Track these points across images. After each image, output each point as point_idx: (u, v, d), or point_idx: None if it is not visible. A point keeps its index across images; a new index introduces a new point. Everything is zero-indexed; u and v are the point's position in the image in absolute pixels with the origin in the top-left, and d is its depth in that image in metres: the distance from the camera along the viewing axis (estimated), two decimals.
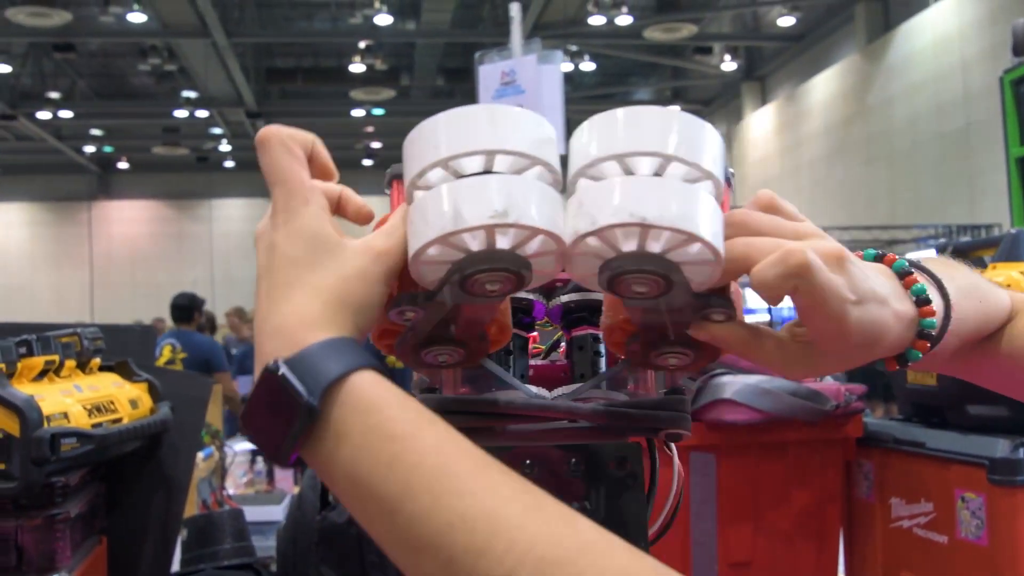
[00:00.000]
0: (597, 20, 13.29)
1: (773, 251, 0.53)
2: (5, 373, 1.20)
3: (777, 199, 0.60)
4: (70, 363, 1.35)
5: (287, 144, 0.57)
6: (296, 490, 2.05)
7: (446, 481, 0.46)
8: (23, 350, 1.25)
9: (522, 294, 0.65)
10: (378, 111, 17.59)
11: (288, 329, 0.52)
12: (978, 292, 0.63)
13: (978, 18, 11.15)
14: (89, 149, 20.62)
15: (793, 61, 16.15)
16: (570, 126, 0.57)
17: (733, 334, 0.56)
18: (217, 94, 16.93)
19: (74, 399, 1.27)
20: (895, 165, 12.97)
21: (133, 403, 1.41)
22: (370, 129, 19.47)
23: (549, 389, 0.66)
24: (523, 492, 0.47)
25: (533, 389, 0.65)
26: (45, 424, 1.15)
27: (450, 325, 0.58)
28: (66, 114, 17.31)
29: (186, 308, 5.99)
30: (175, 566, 1.68)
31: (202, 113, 17.65)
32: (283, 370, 0.50)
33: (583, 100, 16.39)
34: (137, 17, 13.37)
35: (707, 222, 0.51)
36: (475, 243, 0.52)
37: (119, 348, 1.53)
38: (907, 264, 0.61)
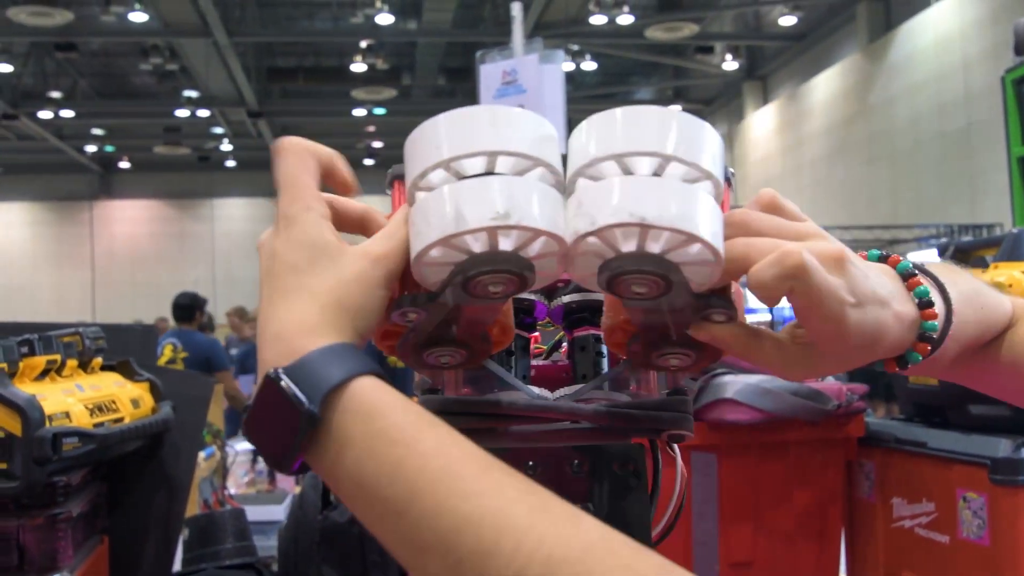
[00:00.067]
0: (598, 19, 13.29)
1: (773, 251, 0.53)
2: (7, 372, 1.20)
3: (779, 198, 0.60)
4: (72, 363, 1.35)
5: (300, 154, 0.58)
6: (297, 490, 2.05)
7: (451, 483, 0.46)
8: (25, 349, 1.25)
9: (524, 295, 0.65)
10: (379, 110, 17.58)
11: (287, 336, 0.52)
12: (980, 298, 0.63)
13: (979, 17, 11.14)
14: (90, 148, 20.63)
15: (794, 60, 16.14)
16: (571, 125, 0.57)
17: (732, 335, 0.56)
18: (218, 93, 16.94)
19: (76, 398, 1.27)
20: (897, 165, 12.96)
21: (135, 402, 1.41)
22: (371, 128, 19.47)
23: (551, 390, 0.66)
24: (528, 492, 0.47)
25: (535, 390, 0.65)
26: (47, 423, 1.16)
27: (452, 326, 0.57)
28: (67, 113, 17.31)
29: (187, 308, 6.00)
30: (176, 565, 1.68)
31: (203, 112, 17.65)
32: (283, 378, 0.50)
33: (584, 100, 16.38)
34: (138, 16, 13.37)
35: (707, 222, 0.51)
36: (477, 245, 0.52)
37: (121, 348, 1.54)
38: (911, 266, 0.61)
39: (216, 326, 9.08)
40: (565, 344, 0.74)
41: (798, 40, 15.53)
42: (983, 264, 1.89)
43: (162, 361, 5.29)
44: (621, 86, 18.16)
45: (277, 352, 0.52)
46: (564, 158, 0.55)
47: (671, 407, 0.63)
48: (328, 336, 0.52)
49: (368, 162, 20.74)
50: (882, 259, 0.62)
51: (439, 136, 0.54)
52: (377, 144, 20.33)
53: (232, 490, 3.06)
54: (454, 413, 0.60)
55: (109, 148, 20.90)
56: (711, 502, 1.79)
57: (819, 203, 14.17)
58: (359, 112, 17.72)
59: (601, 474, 0.65)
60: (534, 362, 0.71)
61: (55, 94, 16.31)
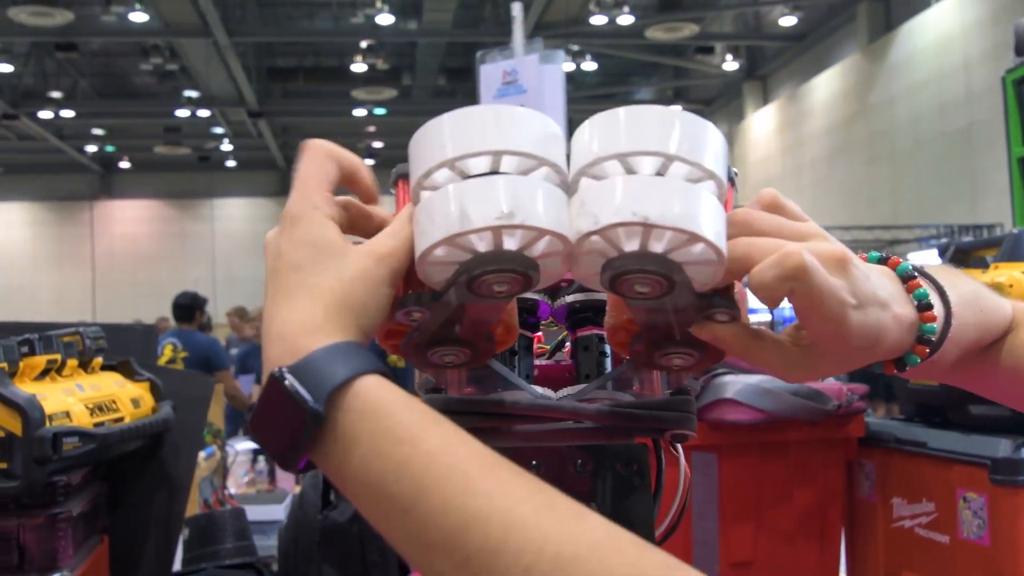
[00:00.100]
0: (599, 20, 13.29)
1: (775, 252, 0.53)
2: (7, 372, 1.20)
3: (780, 198, 0.60)
4: (72, 362, 1.35)
5: (319, 156, 0.58)
6: (298, 489, 2.04)
7: (457, 482, 0.47)
8: (25, 349, 1.25)
9: (527, 294, 0.65)
10: (380, 111, 17.59)
11: (291, 335, 0.52)
12: (980, 302, 0.63)
13: (980, 18, 11.14)
14: (91, 148, 20.64)
15: (795, 61, 16.15)
16: (572, 126, 0.57)
17: (734, 336, 0.56)
18: (219, 93, 16.94)
19: (76, 398, 1.27)
20: (897, 165, 12.96)
21: (135, 402, 1.41)
22: (372, 129, 19.48)
23: (554, 389, 0.66)
24: (535, 490, 0.47)
25: (539, 390, 0.65)
26: (47, 423, 1.16)
27: (456, 325, 0.57)
28: (68, 113, 17.32)
29: (187, 308, 6.00)
30: (177, 565, 1.68)
31: (204, 112, 17.66)
32: (287, 377, 0.50)
33: (585, 100, 16.39)
34: (139, 16, 13.38)
35: (709, 222, 0.51)
36: (482, 244, 0.52)
37: (121, 347, 1.53)
38: (911, 268, 0.61)
39: (217, 326, 9.08)
40: (568, 344, 0.74)
41: (798, 40, 15.53)
42: (983, 264, 1.89)
43: (162, 361, 5.29)
44: (621, 86, 18.16)
45: (281, 351, 0.52)
46: (567, 158, 0.55)
47: (674, 407, 0.63)
48: (332, 335, 0.52)
49: (368, 162, 20.24)
50: (882, 261, 0.62)
51: (444, 135, 0.54)
52: (377, 144, 20.34)
53: (232, 490, 3.06)
54: (458, 412, 0.60)
55: (109, 148, 20.91)
56: (711, 502, 1.79)
57: (819, 203, 14.17)
58: (359, 112, 17.73)
59: (604, 474, 0.65)
60: (537, 362, 0.71)
61: (55, 94, 16.32)
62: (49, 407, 1.18)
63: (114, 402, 1.36)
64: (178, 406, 1.50)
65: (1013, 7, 9.97)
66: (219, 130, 19.16)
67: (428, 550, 0.47)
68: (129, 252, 21.78)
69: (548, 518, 0.45)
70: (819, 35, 15.17)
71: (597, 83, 17.50)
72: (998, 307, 0.64)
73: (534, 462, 0.64)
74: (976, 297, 0.63)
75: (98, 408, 1.30)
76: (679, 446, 0.71)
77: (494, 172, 0.54)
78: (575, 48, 15.02)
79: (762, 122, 17.31)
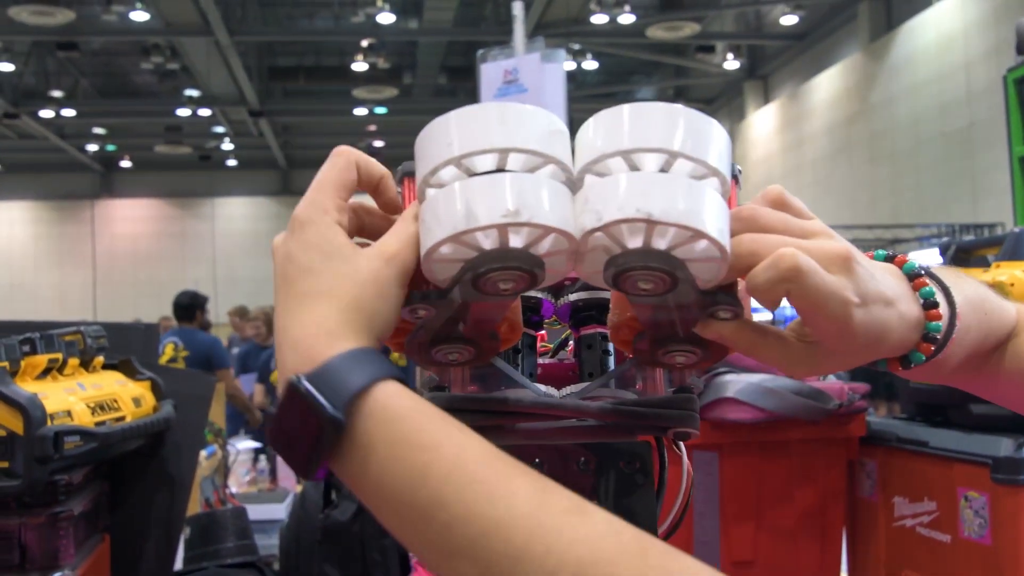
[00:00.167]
0: (600, 19, 13.29)
1: (781, 248, 0.53)
2: (9, 371, 1.20)
3: (786, 195, 0.60)
4: (73, 361, 1.35)
5: (340, 162, 0.58)
6: (299, 488, 2.05)
7: (478, 488, 0.46)
8: (26, 348, 1.26)
9: (531, 293, 0.65)
10: (380, 110, 17.59)
11: (307, 342, 0.52)
12: (984, 304, 0.63)
13: (981, 17, 11.13)
14: (92, 147, 20.64)
15: (796, 60, 16.14)
16: (573, 125, 0.57)
17: (738, 333, 0.56)
18: (219, 93, 16.95)
19: (77, 397, 1.28)
20: (898, 164, 12.96)
21: (136, 401, 1.41)
22: (372, 128, 19.48)
23: (558, 388, 0.66)
24: (556, 495, 0.47)
25: (542, 388, 0.65)
26: (48, 422, 1.16)
27: (460, 323, 0.57)
28: (69, 112, 17.33)
29: (188, 307, 6.00)
30: (178, 564, 1.69)
31: (204, 111, 17.66)
32: (306, 385, 0.50)
33: (586, 99, 16.38)
34: (140, 16, 13.38)
35: (713, 219, 0.51)
36: (488, 242, 0.52)
37: (122, 346, 1.54)
38: (917, 266, 0.61)
39: (218, 325, 9.07)
40: (572, 342, 0.74)
41: (799, 39, 15.53)
42: (985, 263, 1.89)
43: (163, 360, 5.29)
44: (622, 85, 18.16)
45: (298, 358, 0.52)
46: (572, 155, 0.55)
47: (677, 405, 0.63)
48: (348, 340, 0.52)
49: None
50: (888, 259, 0.62)
51: (450, 133, 0.54)
52: (378, 143, 20.33)
53: (233, 489, 3.06)
54: (461, 410, 0.60)
55: (110, 147, 20.91)
56: (713, 501, 1.79)
57: (820, 202, 14.17)
58: (360, 111, 17.73)
59: (607, 472, 0.65)
60: (541, 360, 0.71)
61: (56, 93, 16.32)
62: (50, 406, 1.18)
63: (115, 401, 1.36)
64: (179, 405, 1.50)
65: (1014, 6, 9.97)
66: (220, 129, 19.17)
67: (451, 557, 0.46)
68: (130, 251, 21.79)
69: (571, 522, 0.45)
70: (820, 34, 15.17)
71: (598, 82, 17.49)
72: (1002, 310, 0.64)
73: (537, 460, 0.64)
74: (981, 300, 0.63)
75: (99, 407, 1.30)
76: (682, 444, 0.71)
77: (500, 170, 0.54)
78: (576, 47, 15.01)
79: (763, 121, 17.30)
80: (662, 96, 18.34)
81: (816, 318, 0.55)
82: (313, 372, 0.50)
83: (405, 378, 0.52)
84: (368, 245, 0.56)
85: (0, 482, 1.13)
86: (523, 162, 0.54)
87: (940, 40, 11.91)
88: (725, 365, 1.81)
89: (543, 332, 0.74)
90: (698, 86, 18.83)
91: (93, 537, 1.39)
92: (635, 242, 0.51)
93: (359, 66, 15.41)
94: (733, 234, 0.54)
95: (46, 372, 1.29)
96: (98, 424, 1.27)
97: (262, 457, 3.98)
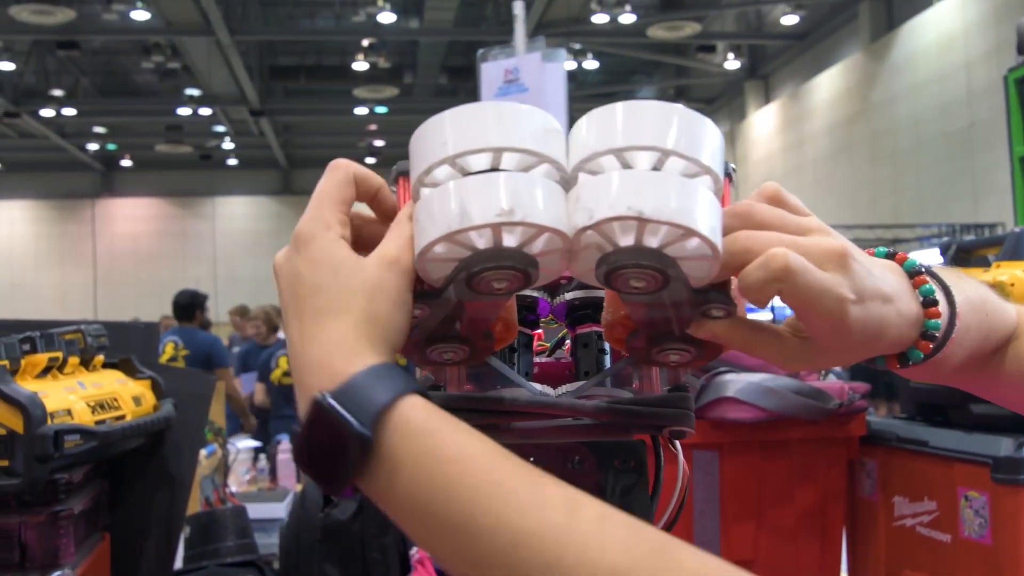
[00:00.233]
0: (600, 18, 13.28)
1: (777, 246, 0.53)
2: (9, 370, 1.20)
3: (782, 192, 0.60)
4: (74, 360, 1.35)
5: (336, 176, 0.58)
6: (299, 487, 2.05)
7: (508, 499, 0.47)
8: (27, 347, 1.26)
9: (527, 292, 0.65)
10: (381, 109, 17.59)
11: (328, 360, 0.52)
12: (985, 306, 0.63)
13: (982, 17, 11.13)
14: (92, 147, 20.64)
15: (796, 59, 16.14)
16: (573, 124, 0.57)
17: (731, 332, 0.56)
18: (220, 92, 16.95)
19: (77, 396, 1.28)
20: (898, 164, 12.96)
21: (136, 400, 1.41)
22: (373, 127, 19.48)
23: (554, 387, 0.66)
24: (584, 503, 0.47)
25: (537, 387, 0.65)
26: (49, 421, 1.16)
27: (455, 322, 0.57)
28: (69, 112, 17.33)
29: (187, 306, 6.00)
30: (178, 563, 1.69)
31: (205, 111, 17.66)
32: (331, 402, 0.50)
33: (586, 98, 16.36)
34: (140, 15, 13.38)
35: (705, 217, 0.51)
36: (482, 241, 0.52)
37: (122, 345, 1.54)
38: (918, 264, 0.60)
39: (219, 324, 9.08)
40: (568, 341, 0.74)
41: (800, 39, 15.52)
42: (985, 263, 1.89)
43: (163, 359, 5.29)
44: (623, 85, 18.15)
45: (320, 377, 0.52)
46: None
47: (672, 403, 0.63)
48: (367, 355, 0.52)
49: (370, 160, 20.74)
50: (889, 256, 0.61)
51: (444, 132, 0.54)
52: (379, 143, 20.34)
53: (233, 488, 3.06)
54: (456, 409, 0.60)
55: (111, 146, 20.91)
56: (713, 500, 1.79)
57: (821, 202, 14.17)
58: (361, 111, 17.73)
59: (603, 470, 0.65)
60: (537, 359, 0.71)
61: (57, 92, 16.32)
62: (51, 405, 1.18)
63: (115, 400, 1.36)
64: (179, 404, 1.50)
65: (1014, 6, 9.96)
66: (221, 128, 19.17)
67: (483, 570, 0.47)
68: (130, 250, 21.80)
69: (601, 529, 0.45)
70: (821, 34, 15.16)
71: (599, 82, 17.49)
72: (1003, 312, 0.64)
73: (532, 459, 0.64)
74: (982, 300, 0.63)
75: (99, 406, 1.30)
76: (677, 443, 0.71)
77: (495, 169, 0.54)
78: (577, 47, 15.01)
79: (764, 121, 17.30)
80: (663, 95, 18.32)
81: (809, 316, 0.55)
82: (337, 390, 0.50)
83: (427, 392, 0.52)
84: (368, 253, 0.56)
85: (0, 480, 1.13)
86: (517, 161, 0.54)
87: (941, 40, 11.90)
88: (726, 364, 1.81)
89: (540, 331, 0.74)
90: (699, 86, 18.82)
91: (93, 536, 1.39)
92: (627, 240, 0.51)
93: (360, 66, 15.41)
94: (729, 231, 0.54)
95: (46, 371, 1.29)
96: (98, 423, 1.27)
97: (262, 456, 3.99)
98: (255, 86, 16.35)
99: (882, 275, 0.57)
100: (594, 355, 0.68)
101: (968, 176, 11.29)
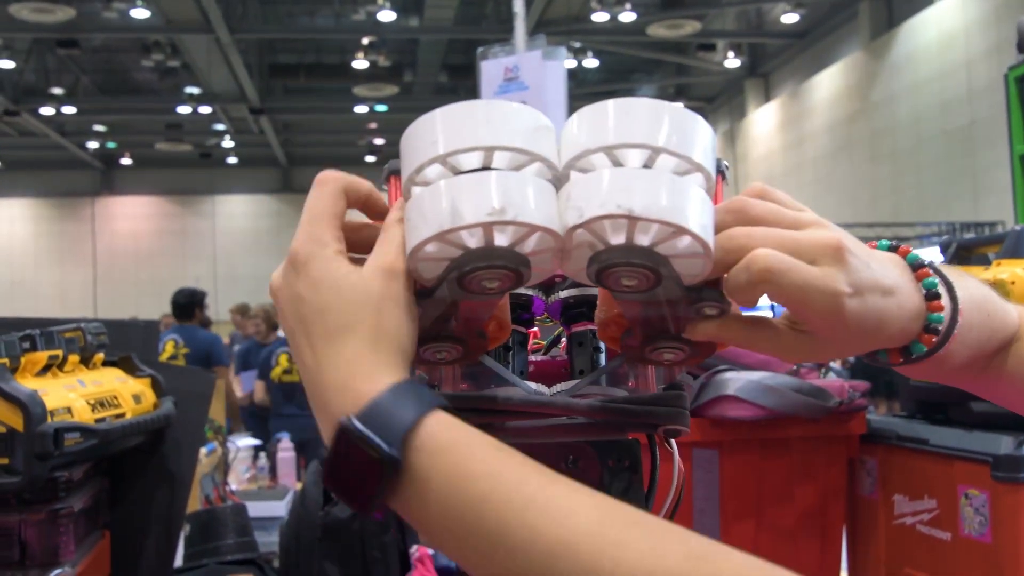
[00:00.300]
0: (600, 16, 13.28)
1: (773, 241, 0.53)
2: (9, 368, 1.20)
3: (769, 189, 0.59)
4: (73, 358, 1.35)
5: (326, 189, 0.57)
6: (299, 486, 2.05)
7: (540, 510, 0.46)
8: (27, 345, 1.26)
9: (521, 290, 0.65)
10: (381, 107, 17.58)
11: (348, 382, 0.52)
12: (987, 305, 0.62)
13: (982, 15, 11.12)
14: (92, 145, 20.64)
15: (797, 58, 16.13)
16: None
17: (725, 329, 0.56)
18: (220, 90, 16.94)
19: (77, 394, 1.27)
20: (899, 162, 12.95)
21: (136, 398, 1.41)
22: (373, 125, 19.48)
23: (549, 385, 0.66)
24: (617, 509, 0.47)
25: (532, 385, 0.65)
26: (48, 419, 1.16)
27: (448, 322, 0.57)
28: (69, 110, 17.33)
29: (186, 305, 6.00)
30: (178, 561, 1.69)
31: (205, 109, 17.66)
32: (357, 425, 0.49)
33: (586, 97, 16.33)
34: (140, 13, 13.38)
35: (696, 214, 0.51)
36: (473, 240, 0.52)
37: (122, 343, 1.54)
38: (920, 257, 0.60)
39: (219, 322, 9.08)
40: (564, 340, 0.73)
41: (800, 37, 15.52)
42: (986, 261, 1.89)
43: (164, 357, 5.29)
44: (623, 83, 18.14)
45: (343, 400, 0.51)
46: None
47: (667, 402, 0.63)
48: (385, 373, 0.52)
49: (369, 159, 20.76)
50: (892, 249, 0.61)
51: (435, 131, 0.54)
52: (379, 141, 20.33)
53: (233, 486, 3.06)
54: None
55: (111, 144, 20.91)
56: (712, 498, 1.79)
57: (821, 200, 14.17)
58: (361, 109, 17.72)
59: (597, 469, 0.65)
60: (533, 357, 0.71)
61: (57, 90, 16.32)
62: (50, 403, 1.18)
63: (115, 398, 1.36)
64: (179, 402, 1.50)
65: (1015, 4, 9.96)
66: (220, 127, 19.17)
67: None
68: (130, 248, 21.80)
69: (636, 535, 0.45)
70: (821, 32, 15.15)
71: (599, 80, 17.48)
72: (1004, 313, 0.64)
73: None
74: (984, 299, 0.62)
75: (99, 404, 1.30)
76: (672, 441, 0.71)
77: (486, 168, 0.53)
78: (577, 45, 15.00)
79: (764, 119, 17.29)
80: (663, 94, 18.31)
81: (802, 312, 0.54)
82: (362, 412, 0.50)
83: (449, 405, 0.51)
84: (363, 260, 0.55)
85: (0, 478, 1.13)
86: (508, 160, 0.53)
87: (941, 38, 11.90)
88: (726, 363, 1.81)
89: (536, 329, 0.74)
90: (699, 84, 18.81)
91: (93, 533, 1.39)
92: (617, 238, 0.51)
93: (360, 64, 15.41)
94: (723, 227, 0.54)
95: (46, 369, 1.29)
96: (98, 421, 1.27)
97: (262, 454, 3.99)
98: (255, 84, 16.34)
99: (882, 268, 0.57)
100: (589, 353, 0.68)
101: (968, 174, 11.29)
